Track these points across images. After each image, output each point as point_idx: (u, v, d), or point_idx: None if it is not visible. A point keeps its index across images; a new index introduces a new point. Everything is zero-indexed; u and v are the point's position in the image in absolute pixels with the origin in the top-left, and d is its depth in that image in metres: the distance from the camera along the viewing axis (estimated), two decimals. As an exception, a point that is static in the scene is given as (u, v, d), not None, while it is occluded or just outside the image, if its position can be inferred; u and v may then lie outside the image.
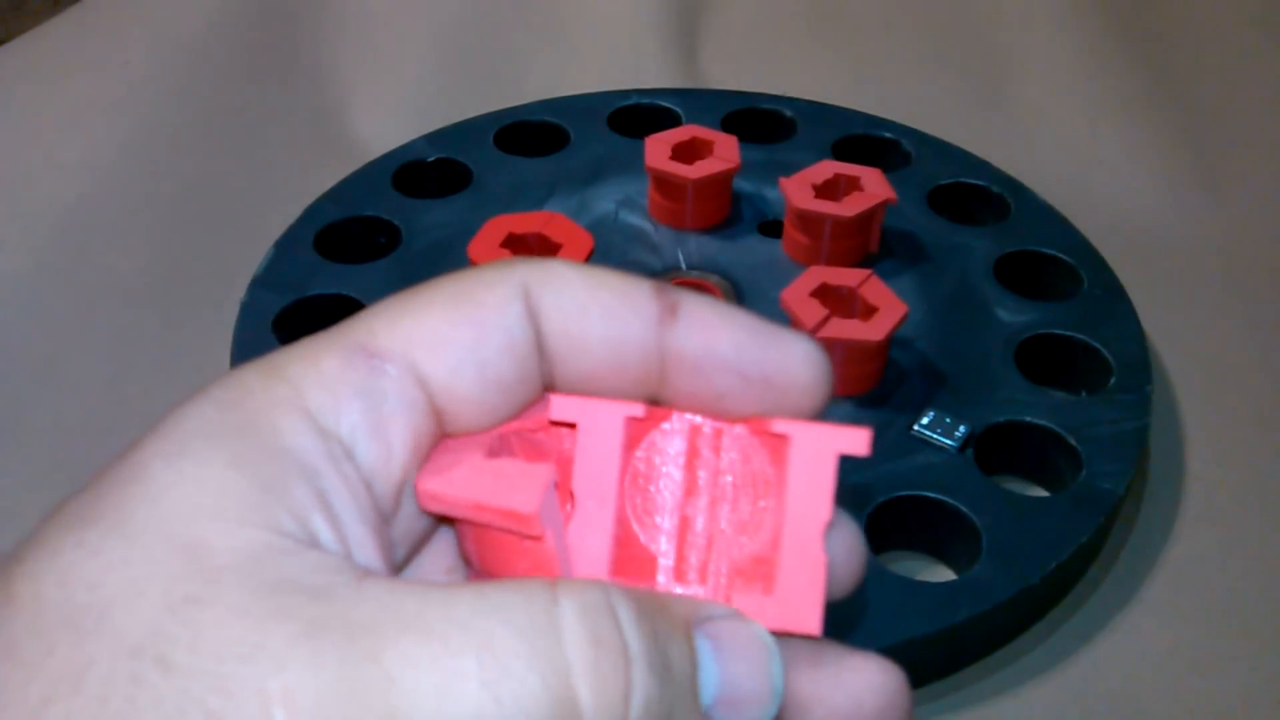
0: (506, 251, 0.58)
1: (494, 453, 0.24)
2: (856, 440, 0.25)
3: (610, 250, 0.64)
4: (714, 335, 0.24)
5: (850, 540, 0.27)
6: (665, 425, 0.25)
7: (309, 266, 0.63)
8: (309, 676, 0.19)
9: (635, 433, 0.25)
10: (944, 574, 0.51)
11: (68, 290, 0.67)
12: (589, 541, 0.24)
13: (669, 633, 0.22)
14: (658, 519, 0.25)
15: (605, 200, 0.68)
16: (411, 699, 0.19)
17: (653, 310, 0.24)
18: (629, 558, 0.24)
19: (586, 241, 0.59)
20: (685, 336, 0.24)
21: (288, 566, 0.21)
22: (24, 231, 0.70)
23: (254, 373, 0.24)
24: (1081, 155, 0.78)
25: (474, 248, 0.59)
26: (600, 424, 0.24)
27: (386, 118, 0.80)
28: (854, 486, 0.51)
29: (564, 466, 0.24)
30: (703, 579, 0.25)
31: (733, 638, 0.23)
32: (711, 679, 0.22)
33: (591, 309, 0.24)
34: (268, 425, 0.22)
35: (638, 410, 0.24)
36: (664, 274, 0.63)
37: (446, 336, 0.24)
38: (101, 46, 0.86)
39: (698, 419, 0.25)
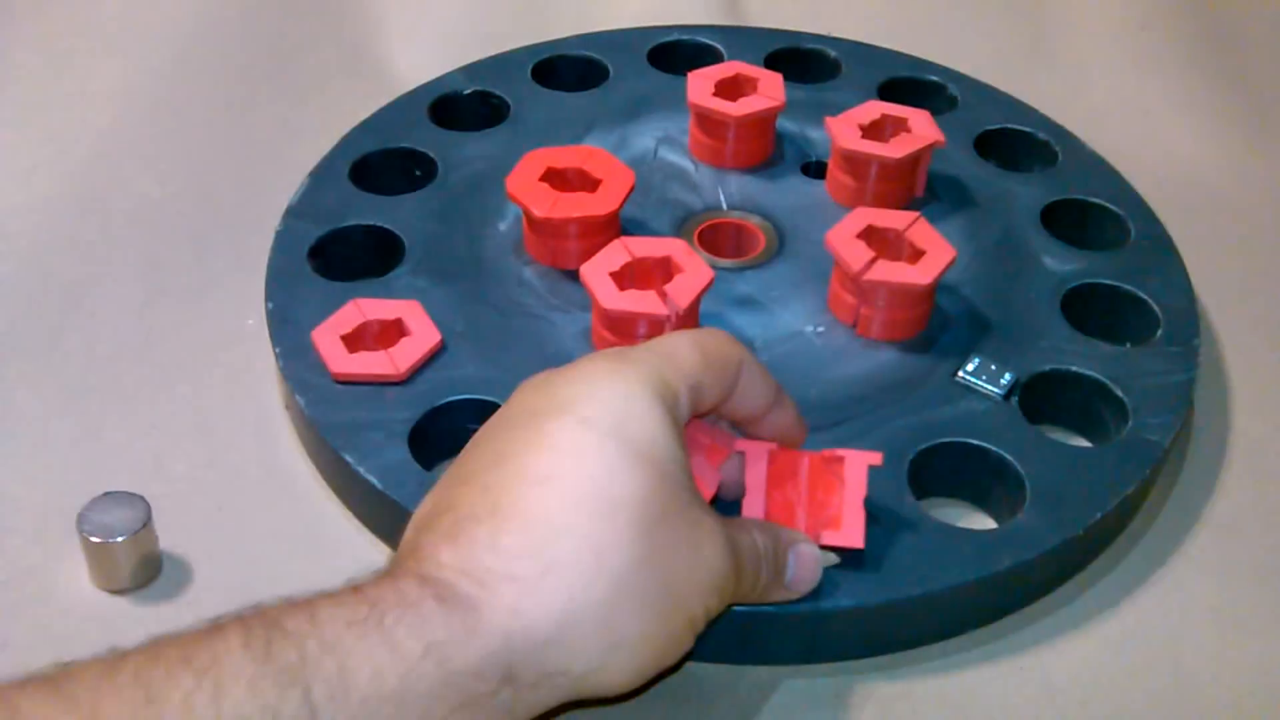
0: (545, 185, 0.57)
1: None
2: (876, 458, 0.45)
3: (650, 188, 0.63)
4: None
5: (811, 559, 0.44)
6: (786, 453, 0.46)
7: (344, 197, 0.62)
8: None
9: (773, 458, 0.46)
10: (985, 522, 0.51)
11: (101, 217, 0.66)
12: (754, 507, 0.45)
13: (777, 545, 0.43)
14: (790, 493, 0.46)
15: (645, 137, 0.67)
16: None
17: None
18: (777, 511, 0.45)
19: (628, 178, 0.58)
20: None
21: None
22: (57, 158, 0.69)
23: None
24: (1130, 105, 0.77)
25: (512, 181, 0.58)
26: (756, 452, 0.46)
27: (422, 49, 0.79)
28: (898, 430, 0.50)
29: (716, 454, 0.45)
30: (810, 519, 0.46)
31: (804, 551, 0.44)
32: (791, 569, 0.43)
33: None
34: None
35: (772, 447, 0.46)
36: (704, 213, 0.62)
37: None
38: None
39: (802, 455, 0.46)
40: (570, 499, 0.36)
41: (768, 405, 0.44)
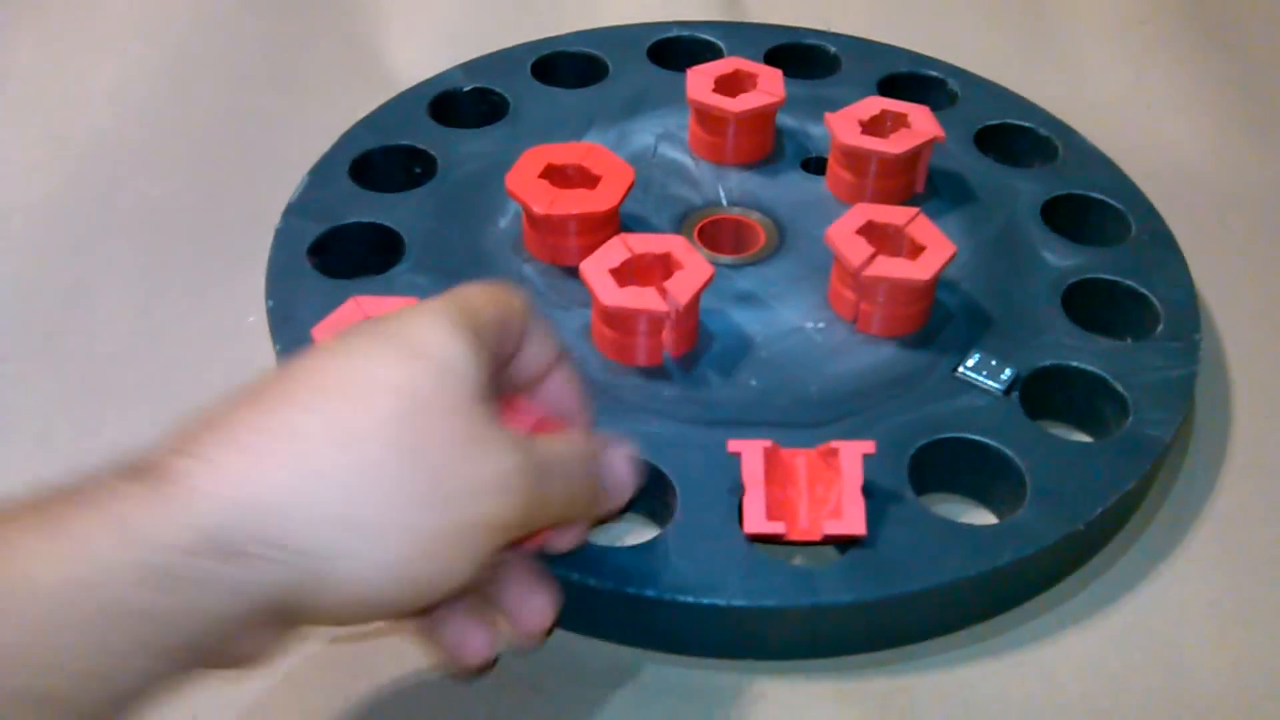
0: (545, 182, 0.57)
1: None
2: (869, 446, 0.46)
3: (649, 184, 0.63)
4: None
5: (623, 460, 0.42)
6: (782, 452, 0.48)
7: (344, 195, 0.62)
8: None
9: (768, 456, 0.47)
10: (985, 517, 0.51)
11: (101, 215, 0.66)
12: (755, 502, 0.45)
13: (588, 449, 0.41)
14: (790, 490, 0.47)
15: (644, 133, 0.67)
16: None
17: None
18: (778, 508, 0.46)
19: (627, 174, 0.58)
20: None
21: None
22: (57, 157, 0.70)
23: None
24: (1131, 100, 0.77)
25: (512, 179, 0.58)
26: (752, 450, 0.46)
27: (422, 46, 0.79)
28: (899, 426, 0.50)
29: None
30: (810, 514, 0.47)
31: (613, 456, 0.42)
32: (606, 472, 0.42)
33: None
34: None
35: (767, 444, 0.47)
36: (704, 209, 0.62)
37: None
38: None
39: (798, 452, 0.48)
40: (329, 382, 0.34)
41: (550, 363, 0.42)
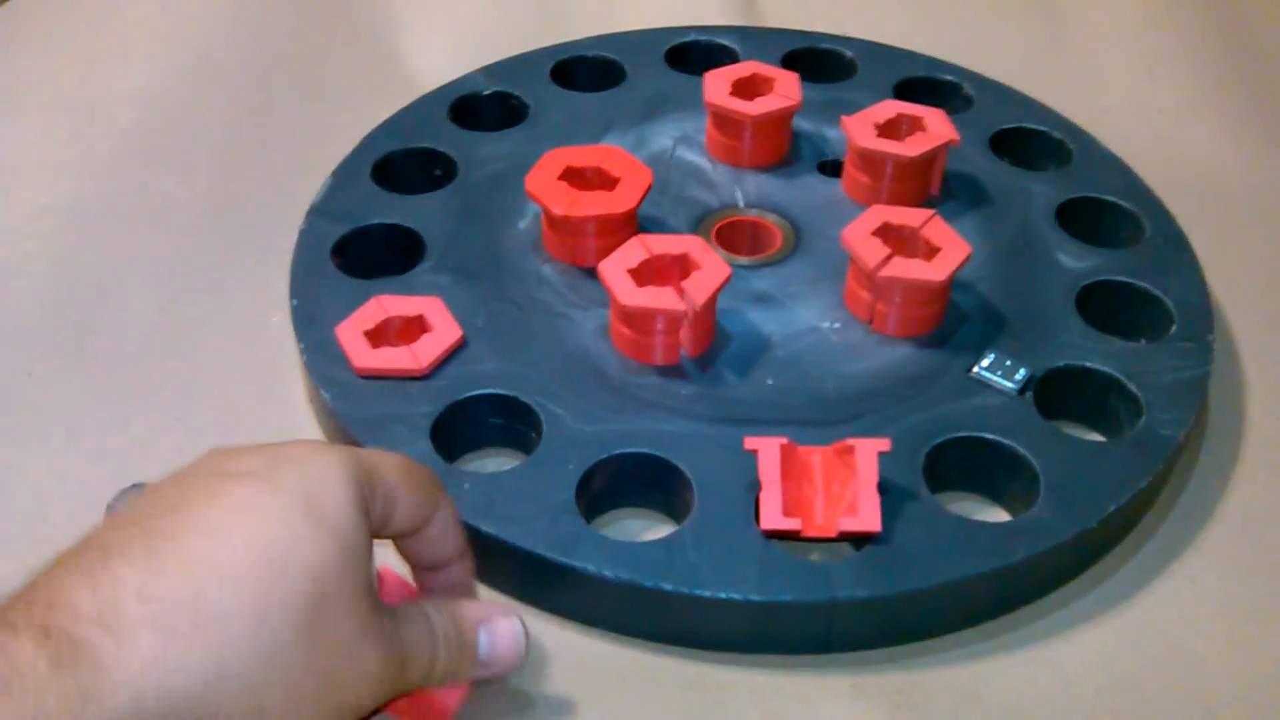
0: (564, 184, 0.58)
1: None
2: (884, 444, 0.47)
3: (667, 187, 0.64)
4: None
5: (509, 635, 0.41)
6: (798, 449, 0.48)
7: (366, 196, 0.63)
8: None
9: (785, 453, 0.47)
10: (999, 516, 0.51)
11: (127, 216, 0.67)
12: (772, 498, 0.46)
13: (460, 627, 0.40)
14: (806, 487, 0.48)
15: (662, 137, 0.68)
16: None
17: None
18: (794, 504, 0.47)
19: (645, 175, 0.59)
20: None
21: None
22: (84, 158, 0.71)
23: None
24: (1144, 102, 0.77)
25: (531, 180, 0.58)
26: (769, 448, 0.47)
27: (443, 50, 0.80)
28: (914, 425, 0.51)
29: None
30: (826, 510, 0.47)
31: (499, 628, 0.41)
32: (484, 647, 0.40)
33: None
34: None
35: (783, 441, 0.47)
36: (721, 211, 0.63)
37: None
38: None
39: (814, 450, 0.49)
40: (240, 554, 0.33)
41: (452, 558, 0.42)
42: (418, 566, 0.43)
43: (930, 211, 0.56)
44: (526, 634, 0.41)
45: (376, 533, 0.38)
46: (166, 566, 0.32)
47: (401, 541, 0.41)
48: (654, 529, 0.50)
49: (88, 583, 0.31)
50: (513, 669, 0.41)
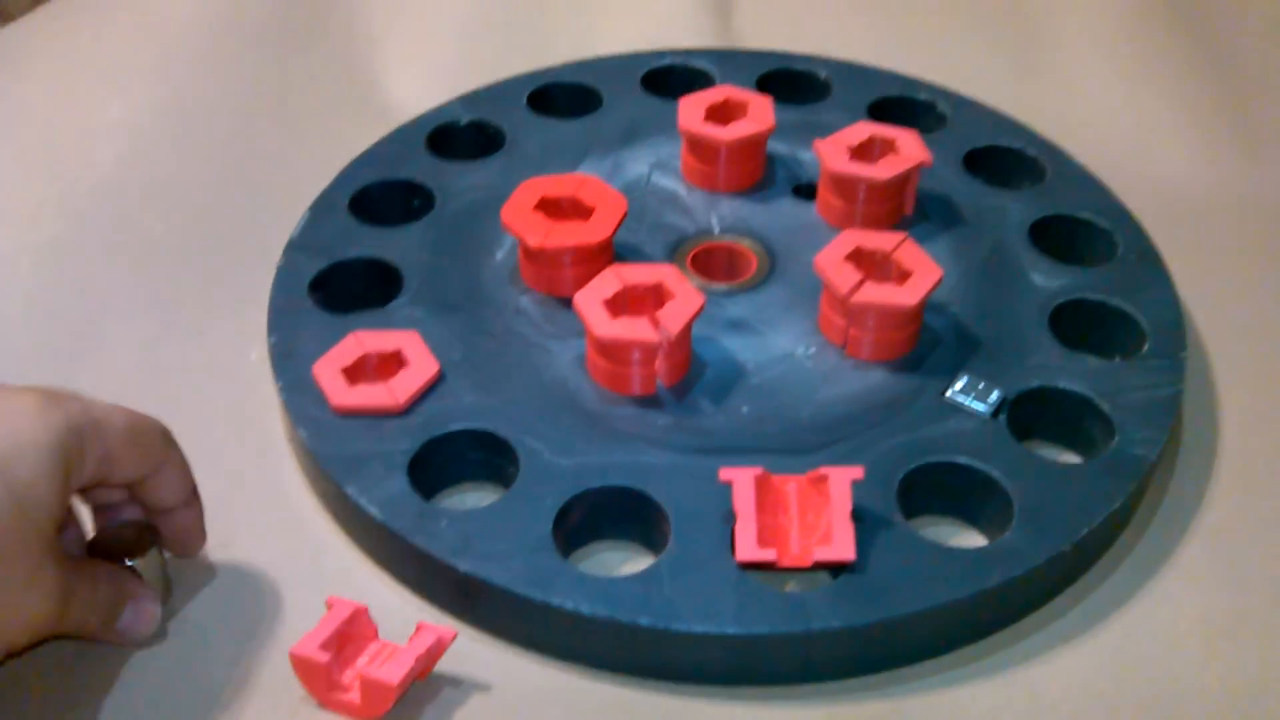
0: (540, 215, 0.59)
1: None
2: (858, 472, 0.48)
3: (644, 213, 0.64)
4: None
5: (148, 615, 0.47)
6: (773, 479, 0.49)
7: (344, 229, 0.63)
8: None
9: (759, 484, 0.48)
10: (976, 539, 0.51)
11: (106, 255, 0.67)
12: (746, 530, 0.47)
13: (117, 597, 0.46)
14: (781, 517, 0.48)
15: (639, 163, 0.68)
16: None
17: None
18: (769, 535, 0.47)
19: (620, 204, 0.59)
20: None
21: None
22: (62, 196, 0.71)
23: None
24: (1119, 118, 0.78)
25: (507, 211, 0.59)
26: (743, 479, 0.48)
27: (420, 80, 0.80)
28: (888, 450, 0.51)
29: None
30: (801, 540, 0.48)
31: (143, 608, 0.46)
32: (125, 618, 0.46)
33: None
34: None
35: (758, 472, 0.48)
36: (697, 237, 0.63)
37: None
38: (138, 9, 0.86)
39: (789, 479, 0.49)
40: None
41: (179, 503, 0.48)
42: (148, 510, 0.48)
43: (902, 235, 0.56)
44: (159, 618, 0.47)
45: (94, 484, 0.45)
46: None
47: (133, 488, 0.47)
48: (633, 561, 0.51)
49: None
50: (139, 641, 0.47)
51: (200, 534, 0.50)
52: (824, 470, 0.48)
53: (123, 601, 0.46)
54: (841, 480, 0.47)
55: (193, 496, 0.49)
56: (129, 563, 0.47)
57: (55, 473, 0.41)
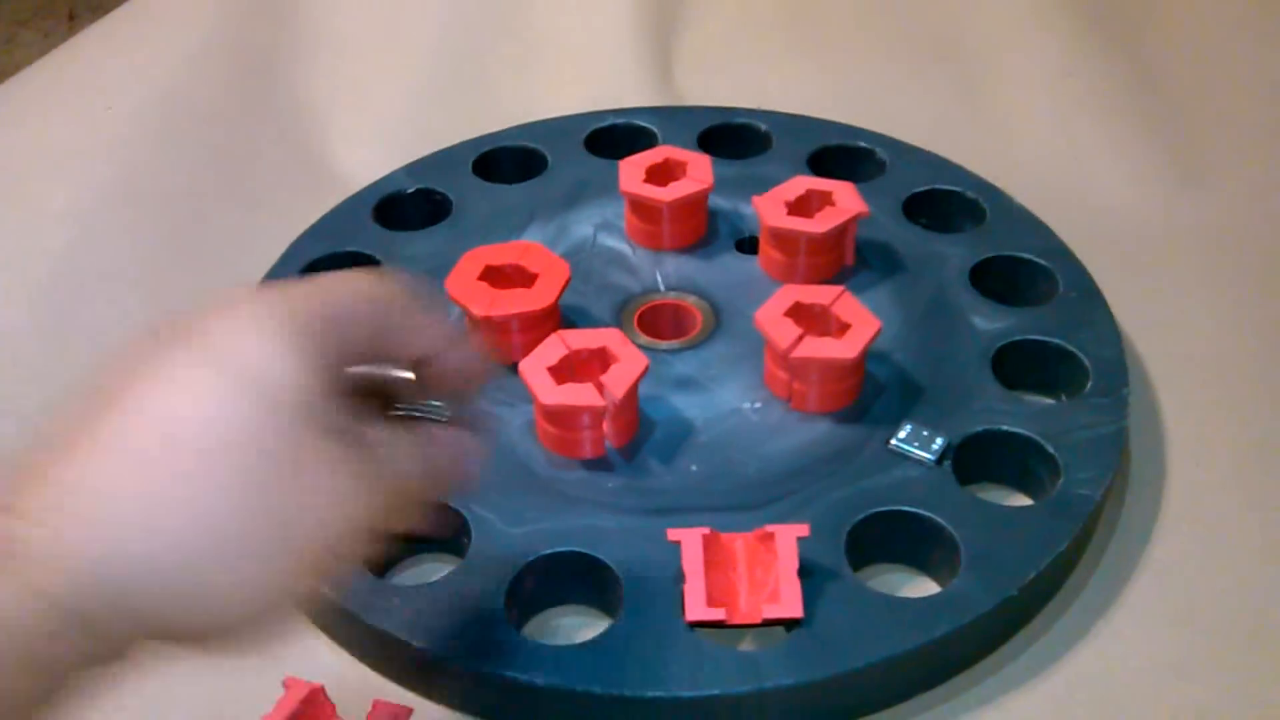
0: (484, 284, 0.59)
1: None
2: (803, 530, 0.48)
3: (590, 274, 0.65)
4: None
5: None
6: (722, 537, 0.50)
7: (293, 306, 0.64)
8: None
9: (707, 544, 0.49)
10: (927, 586, 0.52)
11: (60, 342, 0.67)
12: (695, 590, 0.47)
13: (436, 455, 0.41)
14: (731, 574, 0.49)
15: (584, 224, 0.69)
16: None
17: None
18: (719, 593, 0.48)
19: (563, 270, 0.60)
20: None
21: None
22: (10, 285, 0.71)
23: None
24: (1058, 154, 0.79)
25: (451, 282, 0.59)
26: (691, 539, 0.49)
27: (367, 149, 0.81)
28: (835, 502, 0.52)
29: None
30: (750, 598, 0.48)
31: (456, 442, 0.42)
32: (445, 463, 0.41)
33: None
34: None
35: (706, 532, 0.49)
36: (643, 296, 0.64)
37: None
38: (84, 91, 0.87)
39: (737, 536, 0.50)
40: (166, 431, 0.34)
41: (437, 348, 0.41)
42: (415, 367, 0.41)
43: (839, 289, 0.57)
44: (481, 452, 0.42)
45: (351, 361, 0.38)
46: (97, 456, 0.33)
47: (393, 349, 0.40)
48: (590, 625, 0.51)
49: (35, 484, 0.33)
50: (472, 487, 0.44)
51: (482, 366, 0.43)
52: (770, 528, 0.48)
53: (435, 446, 0.41)
54: (788, 538, 0.48)
55: (454, 340, 0.41)
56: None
57: (297, 349, 0.35)
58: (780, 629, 0.49)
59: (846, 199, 0.63)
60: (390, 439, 0.39)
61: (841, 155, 0.74)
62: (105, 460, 0.33)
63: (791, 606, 0.46)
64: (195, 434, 0.34)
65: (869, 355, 0.56)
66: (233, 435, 0.34)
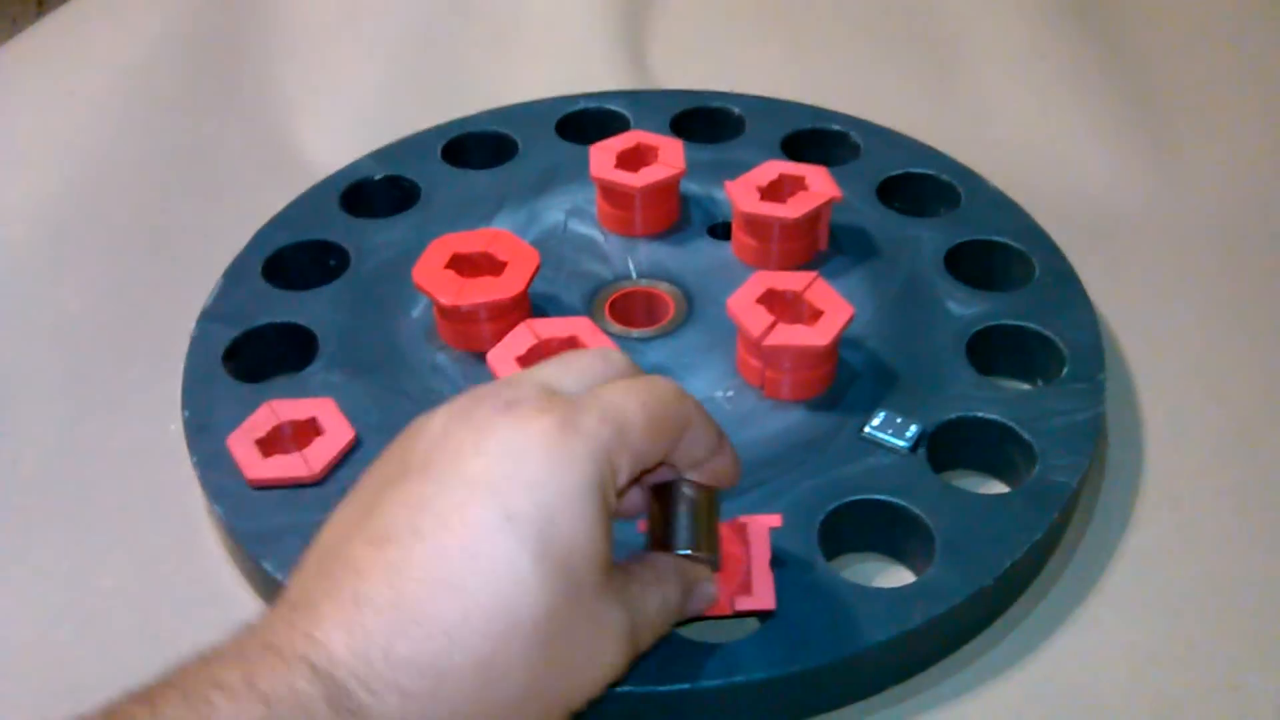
0: (451, 272, 0.58)
1: None
2: (775, 520, 0.47)
3: (561, 261, 0.64)
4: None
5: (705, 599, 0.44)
6: None
7: (257, 295, 0.63)
8: None
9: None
10: (902, 574, 0.51)
11: (21, 333, 0.66)
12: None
13: (685, 593, 0.42)
14: None
15: (555, 210, 0.68)
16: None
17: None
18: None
19: (532, 258, 0.59)
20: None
21: None
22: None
23: None
24: (1033, 137, 0.78)
25: (418, 270, 0.58)
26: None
27: (333, 136, 0.80)
28: (808, 491, 0.51)
29: None
30: (722, 589, 0.45)
31: (704, 592, 0.44)
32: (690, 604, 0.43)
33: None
34: None
35: None
36: (614, 283, 0.63)
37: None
38: (45, 79, 0.85)
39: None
40: (474, 613, 0.35)
41: (709, 454, 0.43)
42: (679, 470, 0.43)
43: (813, 274, 0.56)
44: (715, 593, 0.44)
45: (627, 486, 0.40)
46: (408, 628, 0.34)
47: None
48: (558, 618, 0.50)
49: (342, 622, 0.34)
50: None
51: (738, 468, 0.45)
52: (743, 519, 0.47)
53: (683, 592, 0.42)
54: (760, 529, 0.47)
55: (721, 439, 0.43)
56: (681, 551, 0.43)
57: (597, 514, 0.37)
58: (752, 620, 0.48)
59: (820, 183, 0.62)
60: (645, 580, 0.41)
61: (815, 139, 0.73)
62: (409, 631, 0.34)
63: (764, 599, 0.46)
64: (492, 616, 0.35)
65: (842, 342, 0.56)
66: (533, 616, 0.35)
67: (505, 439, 0.37)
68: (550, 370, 0.41)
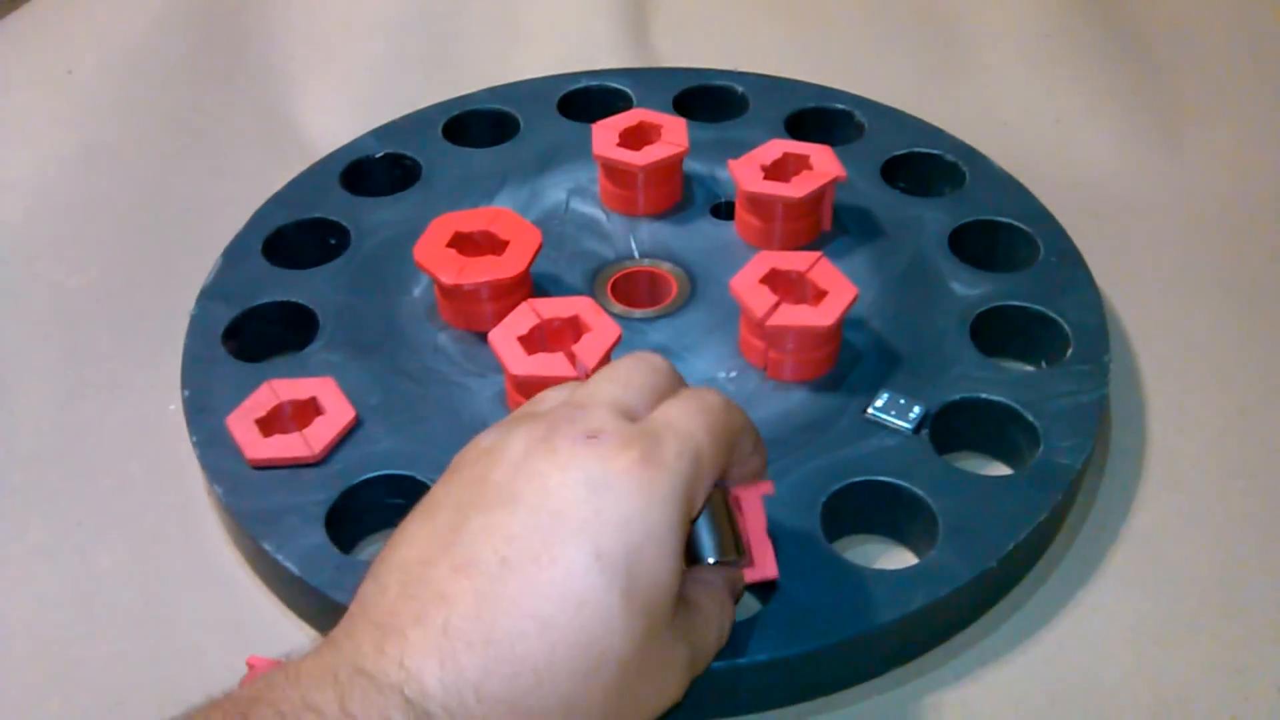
0: (453, 251, 0.58)
1: None
2: (767, 487, 0.44)
3: (563, 241, 0.64)
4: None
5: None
6: None
7: (257, 274, 0.62)
8: None
9: None
10: (905, 556, 0.51)
11: (20, 311, 0.66)
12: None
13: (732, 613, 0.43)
14: None
15: (557, 189, 0.67)
16: None
17: None
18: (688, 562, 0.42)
19: (534, 237, 0.59)
20: None
21: None
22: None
23: None
24: (1039, 117, 0.78)
25: (420, 249, 0.58)
26: None
27: (334, 114, 0.79)
28: (811, 472, 0.51)
29: None
30: None
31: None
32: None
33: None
34: None
35: None
36: (617, 263, 0.62)
37: None
38: (44, 55, 0.85)
39: None
40: (562, 651, 0.35)
41: (749, 456, 0.43)
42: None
43: (816, 254, 0.56)
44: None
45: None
46: (497, 665, 0.34)
47: None
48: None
49: (433, 653, 0.34)
50: None
51: (765, 468, 0.45)
52: (736, 491, 0.47)
53: (728, 609, 0.43)
54: (753, 498, 0.46)
55: (758, 440, 0.44)
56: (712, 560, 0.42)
57: (676, 552, 0.37)
58: (755, 602, 0.48)
59: (824, 163, 0.61)
60: (708, 613, 0.41)
61: (819, 118, 0.72)
62: (497, 668, 0.34)
63: (766, 568, 0.45)
64: (578, 655, 0.35)
65: (846, 322, 0.55)
66: (615, 656, 0.35)
67: (592, 474, 0.37)
68: (613, 389, 0.40)
